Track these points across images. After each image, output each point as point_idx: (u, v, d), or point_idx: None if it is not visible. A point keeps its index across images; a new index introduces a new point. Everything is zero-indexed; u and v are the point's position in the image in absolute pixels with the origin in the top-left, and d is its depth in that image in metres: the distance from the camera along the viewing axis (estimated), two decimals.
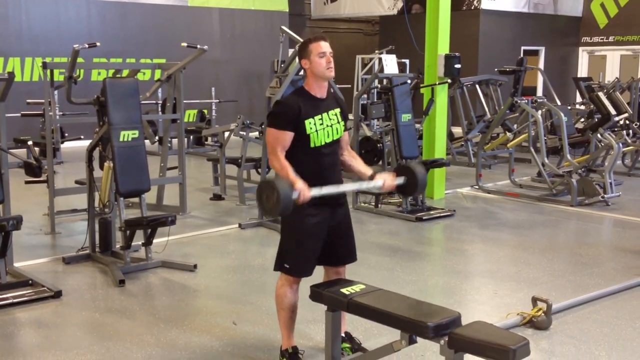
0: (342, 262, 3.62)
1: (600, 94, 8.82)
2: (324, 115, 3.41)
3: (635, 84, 11.69)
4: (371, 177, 3.49)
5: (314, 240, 3.43)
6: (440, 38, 7.99)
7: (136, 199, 5.74)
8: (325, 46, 3.38)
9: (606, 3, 17.53)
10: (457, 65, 7.99)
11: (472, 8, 16.02)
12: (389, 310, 2.99)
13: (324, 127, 3.39)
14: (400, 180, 3.51)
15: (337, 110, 3.49)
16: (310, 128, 3.35)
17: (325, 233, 3.45)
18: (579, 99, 14.61)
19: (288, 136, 3.34)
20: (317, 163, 3.40)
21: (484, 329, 2.83)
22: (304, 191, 3.18)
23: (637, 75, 13.53)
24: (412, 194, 3.56)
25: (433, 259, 5.96)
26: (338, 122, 3.47)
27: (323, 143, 3.40)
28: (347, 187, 3.35)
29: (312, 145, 3.37)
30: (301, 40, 6.47)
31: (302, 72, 6.49)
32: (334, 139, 3.45)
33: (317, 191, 3.24)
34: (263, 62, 15.47)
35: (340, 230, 3.52)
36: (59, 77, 7.37)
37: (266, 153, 6.88)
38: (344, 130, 3.54)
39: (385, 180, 3.46)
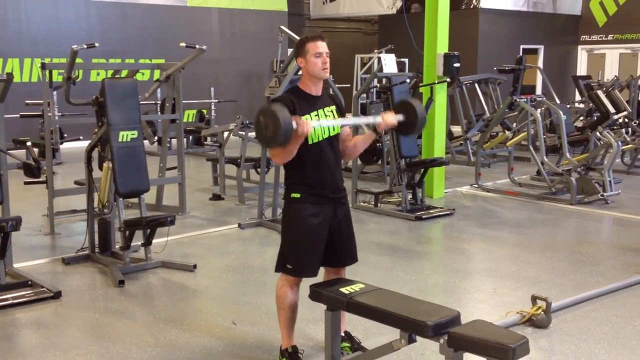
0: (343, 263, 3.62)
1: (599, 92, 8.83)
2: (320, 111, 3.41)
3: (634, 82, 11.69)
4: (374, 129, 3.47)
5: (316, 241, 3.42)
6: (439, 37, 7.99)
7: (135, 200, 5.74)
8: (322, 46, 3.38)
9: (605, 1, 17.54)
10: (456, 64, 7.99)
11: (471, 7, 16.02)
12: (388, 310, 2.99)
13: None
14: (400, 117, 3.48)
15: (333, 108, 3.49)
16: None
17: (326, 233, 3.44)
18: (578, 97, 14.62)
19: None
20: (317, 160, 3.40)
21: (484, 328, 2.83)
22: (304, 123, 3.15)
23: (636, 74, 13.53)
24: (411, 132, 3.53)
25: (432, 257, 5.96)
26: (335, 119, 3.46)
27: (321, 139, 3.39)
28: (348, 121, 3.34)
29: (310, 141, 3.37)
30: None
31: (300, 72, 6.51)
32: (332, 135, 3.45)
33: (317, 123, 3.22)
34: (262, 62, 15.47)
35: (341, 230, 3.51)
36: (57, 77, 7.36)
37: (265, 153, 6.91)
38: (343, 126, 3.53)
39: (385, 117, 3.45)
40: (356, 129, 8.50)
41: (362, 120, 3.37)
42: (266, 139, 3.15)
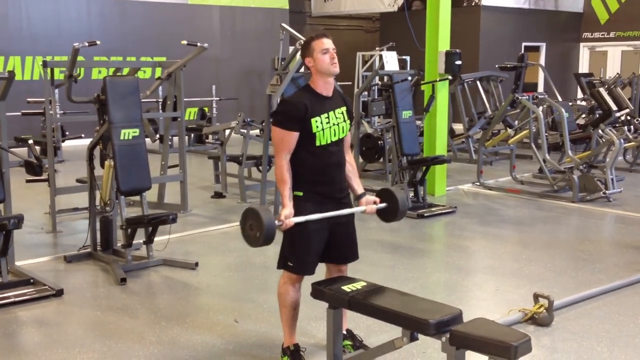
0: (344, 260, 3.62)
1: (602, 89, 8.81)
2: (330, 113, 3.40)
3: (636, 80, 11.68)
4: (358, 198, 3.57)
5: (317, 239, 3.42)
6: (440, 34, 7.97)
7: (137, 197, 5.74)
8: (327, 42, 3.38)
9: None
10: (458, 62, 7.97)
11: (473, 4, 16.00)
12: (390, 308, 2.99)
13: (330, 126, 3.38)
14: (382, 205, 3.57)
15: (343, 109, 3.48)
16: (317, 127, 3.34)
17: (328, 231, 3.44)
18: (580, 95, 14.59)
19: (294, 137, 3.33)
20: (322, 161, 3.39)
21: (486, 326, 2.83)
22: (287, 221, 3.24)
23: (638, 71, 13.51)
24: (392, 219, 3.60)
25: (434, 255, 5.96)
26: (344, 121, 3.46)
27: (329, 142, 3.39)
28: (331, 214, 3.38)
29: (317, 143, 3.36)
30: (301, 37, 6.47)
31: (302, 70, 6.50)
32: (340, 137, 3.44)
33: (300, 219, 3.28)
34: (263, 59, 15.46)
35: (343, 228, 3.51)
36: (59, 75, 7.37)
37: (267, 150, 6.91)
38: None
39: (368, 206, 3.53)
40: (358, 125, 8.48)
41: (347, 211, 3.43)
42: (251, 239, 3.24)
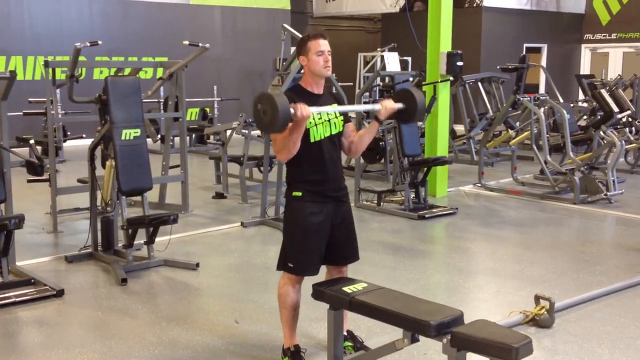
0: (345, 261, 3.62)
1: (603, 91, 8.81)
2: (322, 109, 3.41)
3: (637, 81, 11.69)
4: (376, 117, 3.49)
5: (318, 239, 3.42)
6: (442, 35, 7.97)
7: (138, 198, 5.74)
8: (323, 44, 3.38)
9: (609, 0, 17.49)
10: (460, 63, 7.97)
11: (475, 5, 15.99)
12: (391, 309, 2.99)
13: (322, 122, 3.39)
14: (400, 105, 3.51)
15: (334, 105, 3.48)
16: (310, 123, 3.34)
17: (328, 232, 3.44)
18: (581, 96, 14.60)
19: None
20: (318, 157, 3.40)
21: (487, 328, 2.82)
22: (302, 107, 3.14)
23: None
24: (410, 119, 3.55)
25: (435, 257, 5.95)
26: (336, 117, 3.46)
27: (323, 137, 3.39)
28: (348, 108, 3.34)
29: (312, 139, 3.37)
30: None
31: (303, 70, 6.50)
32: (333, 133, 3.44)
33: (316, 109, 3.22)
34: (265, 60, 15.46)
35: (343, 228, 3.51)
36: (60, 75, 7.36)
37: (268, 151, 6.90)
38: (345, 123, 3.53)
39: (385, 104, 3.47)
40: (359, 125, 8.48)
41: (362, 107, 3.37)
42: (265, 124, 3.13)
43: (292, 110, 3.09)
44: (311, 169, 3.39)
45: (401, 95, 3.57)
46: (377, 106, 3.48)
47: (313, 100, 3.39)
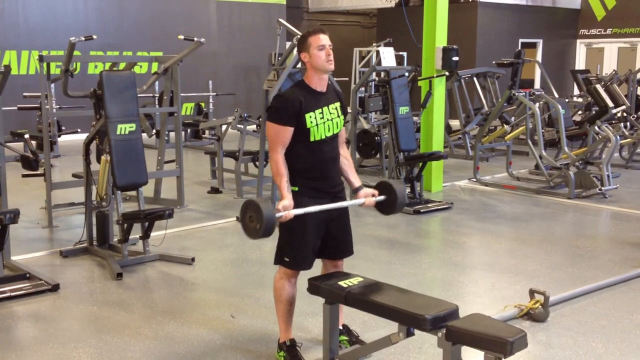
0: (340, 255, 3.62)
1: (598, 86, 8.82)
2: (324, 109, 3.40)
3: (632, 76, 11.69)
4: (356, 191, 3.56)
5: (313, 234, 3.42)
6: (438, 30, 7.97)
7: (133, 193, 5.74)
8: (324, 39, 3.37)
9: None
10: (455, 58, 7.98)
11: (470, 0, 15.99)
12: (386, 303, 3.00)
13: (324, 121, 3.39)
14: (380, 198, 3.57)
15: (337, 104, 3.48)
16: (311, 122, 3.34)
17: (324, 227, 3.45)
18: (576, 91, 14.62)
19: (288, 132, 3.33)
20: (316, 157, 3.40)
21: (482, 321, 2.84)
22: (286, 213, 3.22)
23: (635, 68, 13.52)
24: (391, 212, 3.60)
25: (431, 251, 5.97)
26: (338, 116, 3.46)
27: (323, 137, 3.39)
28: (330, 206, 3.37)
29: (312, 139, 3.37)
30: (298, 33, 6.45)
31: (299, 65, 6.49)
32: (334, 132, 3.45)
33: (299, 211, 3.27)
34: (260, 54, 15.44)
35: (339, 223, 3.52)
36: (55, 70, 7.34)
37: (264, 146, 6.90)
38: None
39: (367, 198, 3.52)
40: (355, 121, 8.48)
41: (345, 204, 3.43)
42: (250, 231, 3.21)
43: (277, 215, 3.17)
44: (310, 166, 3.39)
45: (382, 187, 3.61)
46: (359, 201, 3.53)
47: (318, 98, 3.39)
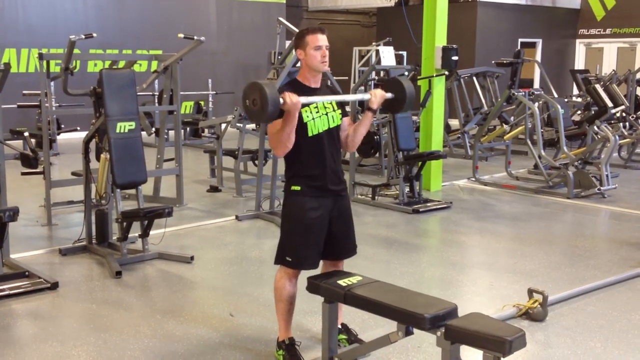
0: (343, 255, 3.61)
1: (597, 86, 8.83)
2: (319, 103, 3.41)
3: (632, 77, 11.71)
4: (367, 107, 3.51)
5: (316, 234, 3.41)
6: (437, 30, 7.98)
7: (133, 191, 5.74)
8: (322, 39, 3.37)
9: None
10: (455, 57, 7.98)
11: (470, 0, 15.99)
12: (385, 302, 3.00)
13: (320, 115, 3.39)
14: (389, 95, 3.53)
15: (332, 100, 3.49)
16: (307, 116, 3.34)
17: (327, 226, 3.44)
18: (575, 91, 14.62)
19: None
20: (316, 151, 3.39)
21: (481, 321, 2.84)
22: (291, 95, 3.14)
23: (634, 68, 13.53)
24: (400, 109, 3.58)
25: (430, 250, 5.97)
26: (334, 110, 3.45)
27: (321, 131, 3.39)
28: (337, 97, 3.36)
29: (310, 133, 3.36)
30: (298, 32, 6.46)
31: (298, 64, 6.50)
32: (331, 126, 3.44)
33: (305, 99, 3.22)
34: (260, 53, 15.44)
35: (341, 222, 3.50)
36: (55, 68, 7.33)
37: (263, 145, 6.90)
38: (343, 117, 3.53)
39: (375, 92, 3.49)
40: (353, 120, 8.47)
41: (352, 97, 3.38)
42: (255, 113, 3.12)
43: (281, 100, 3.08)
44: (310, 163, 3.39)
45: (390, 84, 3.59)
46: (366, 95, 3.50)
47: (310, 94, 3.39)
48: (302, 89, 3.39)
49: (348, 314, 3.85)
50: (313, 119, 3.36)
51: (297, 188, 3.39)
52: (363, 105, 8.95)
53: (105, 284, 4.80)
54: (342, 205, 3.50)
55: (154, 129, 9.43)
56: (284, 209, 3.50)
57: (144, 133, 6.68)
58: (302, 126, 3.34)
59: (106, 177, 5.43)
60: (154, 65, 7.50)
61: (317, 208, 3.38)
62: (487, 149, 10.70)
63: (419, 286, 4.66)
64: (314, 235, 3.41)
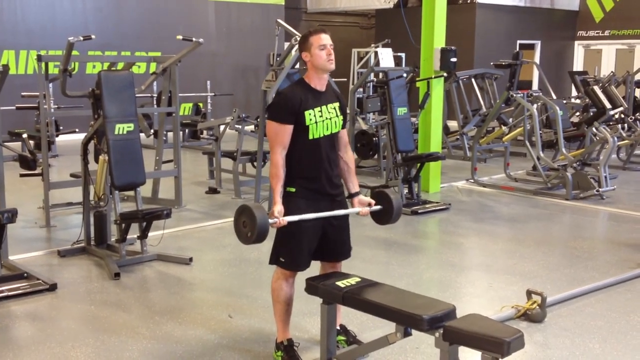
0: (337, 258, 3.62)
1: (596, 87, 8.84)
2: (324, 107, 3.41)
3: (630, 78, 11.72)
4: (352, 196, 3.58)
5: (310, 236, 3.42)
6: (436, 31, 7.98)
7: (131, 192, 5.73)
8: (325, 39, 3.39)
9: None
10: (453, 59, 7.99)
11: (469, 1, 16.01)
12: (384, 303, 3.00)
13: (323, 120, 3.39)
14: (376, 208, 3.58)
15: (336, 104, 3.49)
16: (310, 119, 3.35)
17: (320, 229, 3.44)
18: (574, 92, 14.63)
19: (288, 130, 3.33)
20: (315, 155, 3.40)
21: (479, 322, 2.84)
22: (281, 220, 3.24)
23: (633, 70, 13.54)
24: (386, 222, 3.62)
25: (428, 252, 5.97)
26: (337, 116, 3.46)
27: (322, 135, 3.40)
28: (324, 214, 3.38)
29: (310, 137, 3.37)
30: (297, 33, 6.46)
31: (297, 66, 6.50)
32: (333, 132, 3.45)
33: (293, 218, 3.27)
34: (259, 55, 15.44)
35: (337, 227, 3.51)
36: (53, 70, 7.35)
37: (262, 146, 6.90)
38: (342, 127, 3.53)
39: (362, 208, 3.55)
40: (353, 121, 8.49)
41: (340, 213, 3.43)
42: (243, 237, 3.23)
43: (270, 221, 3.18)
44: (307, 166, 3.40)
45: (378, 196, 3.63)
46: (355, 210, 3.54)
47: (317, 97, 3.40)
48: (309, 90, 3.40)
49: (347, 315, 3.85)
50: (316, 122, 3.37)
51: (293, 189, 3.40)
52: (362, 107, 8.97)
53: (103, 286, 4.80)
54: (338, 209, 3.49)
55: (152, 131, 9.42)
56: None
57: (142, 135, 6.68)
58: (303, 129, 3.35)
59: (105, 178, 5.43)
60: (153, 67, 7.51)
61: (312, 211, 3.37)
62: (486, 150, 10.70)
63: (418, 287, 4.66)
64: (307, 237, 3.41)
